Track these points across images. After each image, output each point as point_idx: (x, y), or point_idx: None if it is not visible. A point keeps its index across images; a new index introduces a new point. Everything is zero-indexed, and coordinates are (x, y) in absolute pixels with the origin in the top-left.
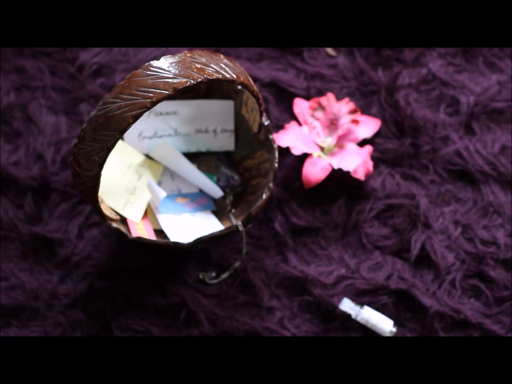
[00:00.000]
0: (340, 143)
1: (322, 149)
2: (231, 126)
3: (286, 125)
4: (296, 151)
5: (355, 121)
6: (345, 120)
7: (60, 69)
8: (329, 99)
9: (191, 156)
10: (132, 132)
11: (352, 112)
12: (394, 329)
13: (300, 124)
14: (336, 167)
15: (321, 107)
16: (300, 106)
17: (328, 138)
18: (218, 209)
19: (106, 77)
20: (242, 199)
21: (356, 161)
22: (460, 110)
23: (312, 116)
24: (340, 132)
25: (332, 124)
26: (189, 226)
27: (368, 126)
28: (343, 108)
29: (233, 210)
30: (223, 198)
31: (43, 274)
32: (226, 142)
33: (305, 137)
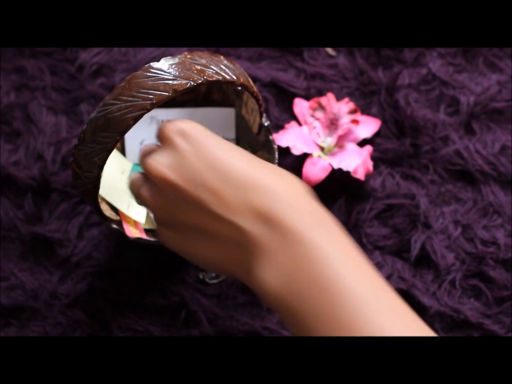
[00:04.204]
0: (340, 143)
1: (322, 149)
2: (232, 135)
3: (286, 125)
4: (296, 151)
5: (355, 121)
6: (345, 120)
7: (60, 69)
8: (329, 99)
9: None
10: (133, 140)
11: (352, 112)
12: None
13: (300, 124)
14: (336, 167)
15: (321, 107)
16: (300, 106)
17: (328, 138)
18: None
19: (106, 77)
20: None
21: (356, 161)
22: (460, 110)
23: (312, 116)
24: (340, 132)
25: (332, 124)
26: None
27: (368, 126)
28: (343, 108)
29: None
30: None
31: (43, 274)
32: None
33: (305, 137)
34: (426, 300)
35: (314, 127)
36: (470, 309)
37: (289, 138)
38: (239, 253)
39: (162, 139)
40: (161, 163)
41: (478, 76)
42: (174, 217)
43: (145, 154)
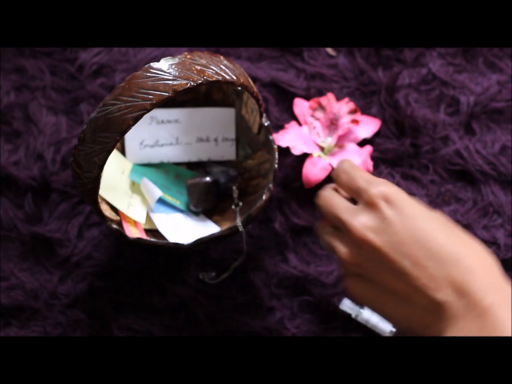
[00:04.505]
0: (340, 143)
1: (322, 149)
2: (232, 135)
3: (286, 125)
4: (296, 151)
5: (355, 121)
6: (345, 120)
7: (60, 69)
8: (329, 99)
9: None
10: (133, 141)
11: (352, 112)
12: (394, 329)
13: (300, 124)
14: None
15: (321, 107)
16: (300, 106)
17: (328, 138)
18: (220, 208)
19: (106, 77)
20: (242, 200)
21: (356, 161)
22: (460, 110)
23: (312, 116)
24: (340, 132)
25: (332, 124)
26: (185, 227)
27: (368, 126)
28: (343, 108)
29: (240, 204)
30: (229, 194)
31: (43, 274)
32: (227, 151)
33: (305, 137)
34: None
35: (314, 127)
36: None
37: (289, 138)
38: (428, 317)
39: (366, 201)
40: (365, 226)
41: (478, 76)
42: (368, 274)
43: (344, 211)
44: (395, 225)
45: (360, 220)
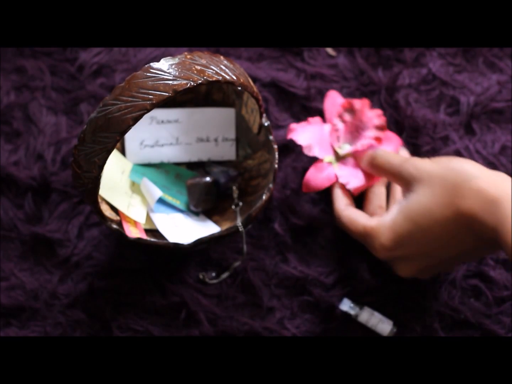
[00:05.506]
0: (356, 155)
1: (335, 153)
2: (232, 135)
3: (310, 119)
4: (308, 151)
5: (378, 139)
6: (369, 134)
7: (60, 69)
8: (363, 105)
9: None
10: (133, 141)
11: (380, 128)
12: (394, 329)
13: (324, 120)
14: (340, 180)
15: (352, 110)
16: (333, 100)
17: (347, 145)
18: (220, 208)
19: (106, 77)
20: (242, 200)
21: (359, 182)
22: (460, 110)
23: (340, 116)
24: (359, 146)
25: (356, 131)
26: (185, 227)
27: (389, 144)
28: (373, 119)
29: (240, 204)
30: (229, 194)
31: (43, 274)
32: (227, 152)
33: (323, 138)
34: (426, 300)
35: (337, 130)
36: (470, 309)
37: (306, 136)
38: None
39: (387, 259)
40: (404, 270)
41: (478, 76)
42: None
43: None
44: (413, 247)
45: (400, 269)
